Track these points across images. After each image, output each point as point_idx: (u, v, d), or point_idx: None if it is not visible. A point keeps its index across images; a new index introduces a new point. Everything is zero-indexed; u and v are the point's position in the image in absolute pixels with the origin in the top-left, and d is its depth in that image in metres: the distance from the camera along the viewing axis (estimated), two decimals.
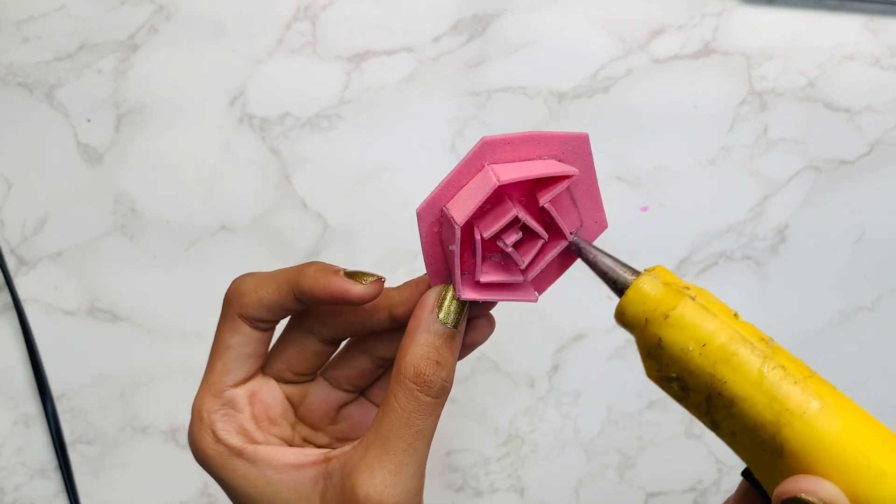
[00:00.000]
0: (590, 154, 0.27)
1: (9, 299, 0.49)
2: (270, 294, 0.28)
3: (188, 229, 0.49)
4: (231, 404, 0.29)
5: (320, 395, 0.31)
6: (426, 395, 0.26)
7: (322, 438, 0.32)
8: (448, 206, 0.26)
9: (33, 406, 0.48)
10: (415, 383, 0.26)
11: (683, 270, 0.48)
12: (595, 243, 0.28)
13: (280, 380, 0.31)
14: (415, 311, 0.27)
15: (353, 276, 0.28)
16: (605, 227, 0.28)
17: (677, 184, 0.49)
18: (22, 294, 0.49)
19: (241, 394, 0.30)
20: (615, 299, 0.26)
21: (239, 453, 0.28)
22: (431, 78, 0.50)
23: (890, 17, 0.50)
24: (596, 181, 0.27)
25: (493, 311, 0.47)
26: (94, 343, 0.48)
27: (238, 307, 0.29)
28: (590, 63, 0.50)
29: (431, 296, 0.27)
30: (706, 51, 0.50)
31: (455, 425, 0.48)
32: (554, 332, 0.48)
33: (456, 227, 0.25)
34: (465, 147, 0.49)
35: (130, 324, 0.49)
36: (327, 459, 0.28)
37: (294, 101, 0.50)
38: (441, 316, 0.27)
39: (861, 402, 0.50)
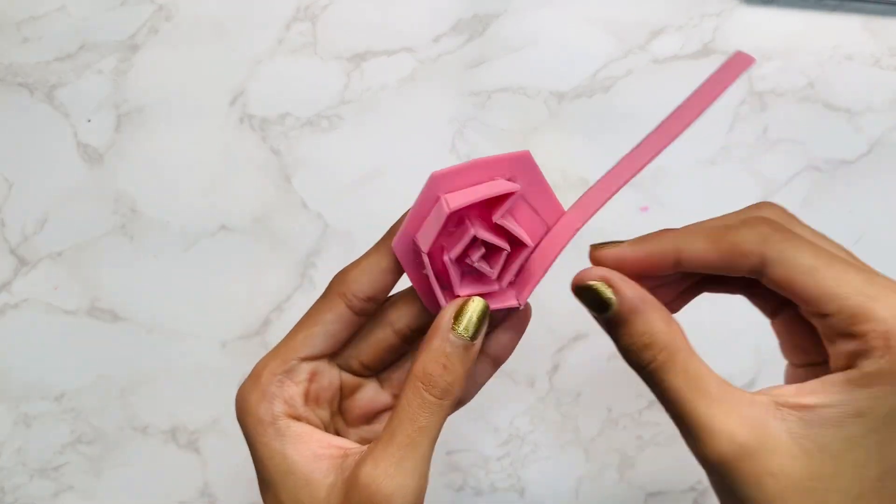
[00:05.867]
0: (535, 167, 0.29)
1: (8, 299, 0.49)
2: (376, 263, 0.30)
3: (188, 229, 0.49)
4: (291, 375, 0.30)
5: (369, 393, 0.33)
6: (430, 394, 0.28)
7: (352, 436, 0.33)
8: (416, 236, 0.28)
9: (33, 406, 0.48)
10: (422, 382, 0.28)
11: None
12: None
13: (344, 367, 0.32)
14: (435, 321, 0.29)
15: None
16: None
17: (678, 184, 0.49)
18: (22, 294, 0.49)
19: (304, 369, 0.31)
20: None
21: (273, 421, 0.30)
22: (431, 78, 0.50)
23: (889, 18, 0.50)
24: (548, 188, 0.29)
25: None
26: (94, 343, 0.48)
27: (340, 284, 0.31)
28: (590, 63, 0.50)
29: (450, 308, 0.29)
30: (706, 51, 0.50)
31: (455, 425, 0.48)
32: (554, 332, 0.48)
33: (424, 254, 0.28)
34: (466, 147, 0.49)
35: (130, 324, 0.49)
36: (346, 455, 0.30)
37: (294, 102, 0.50)
38: (457, 327, 0.28)
39: None
